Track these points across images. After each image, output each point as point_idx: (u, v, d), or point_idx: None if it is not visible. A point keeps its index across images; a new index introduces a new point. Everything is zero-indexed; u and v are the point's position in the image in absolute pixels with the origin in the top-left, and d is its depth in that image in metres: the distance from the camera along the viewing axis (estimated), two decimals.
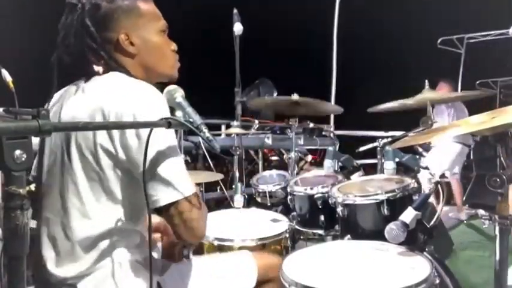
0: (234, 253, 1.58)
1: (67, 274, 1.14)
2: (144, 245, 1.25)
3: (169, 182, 1.07)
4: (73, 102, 1.18)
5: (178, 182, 1.08)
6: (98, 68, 1.19)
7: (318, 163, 4.17)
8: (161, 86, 1.22)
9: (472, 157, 5.82)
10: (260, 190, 2.59)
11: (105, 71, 1.19)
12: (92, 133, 1.09)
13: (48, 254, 1.16)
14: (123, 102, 1.09)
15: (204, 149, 3.63)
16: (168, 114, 1.09)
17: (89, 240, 1.13)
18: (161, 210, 1.10)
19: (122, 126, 1.05)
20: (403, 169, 2.14)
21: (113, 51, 1.21)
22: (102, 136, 1.09)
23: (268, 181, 2.72)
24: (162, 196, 1.06)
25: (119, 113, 1.08)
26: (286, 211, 2.25)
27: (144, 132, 1.05)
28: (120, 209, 1.14)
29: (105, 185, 1.11)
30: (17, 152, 0.72)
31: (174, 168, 1.08)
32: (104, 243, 1.13)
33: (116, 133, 1.08)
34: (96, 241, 1.13)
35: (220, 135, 3.96)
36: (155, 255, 1.38)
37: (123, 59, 1.22)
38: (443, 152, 4.55)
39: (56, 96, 1.27)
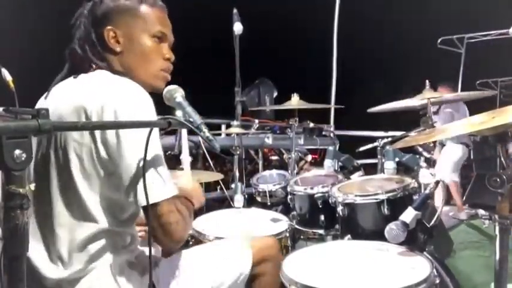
0: (227, 240, 1.55)
1: (59, 276, 1.12)
2: (135, 243, 1.24)
3: (148, 184, 1.04)
4: (60, 101, 1.16)
5: (157, 184, 1.06)
6: (85, 63, 1.20)
7: (318, 163, 4.17)
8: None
9: (472, 157, 5.81)
10: (260, 190, 2.59)
11: (91, 67, 1.20)
12: (77, 134, 1.07)
13: (38, 256, 1.13)
14: (104, 100, 1.08)
15: (204, 148, 3.62)
16: (152, 112, 1.09)
17: (77, 243, 1.11)
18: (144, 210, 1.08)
19: (122, 126, 1.04)
20: (403, 169, 2.14)
21: (97, 45, 1.21)
22: (86, 136, 1.07)
23: (268, 181, 2.72)
24: (140, 198, 1.04)
25: (99, 111, 1.06)
26: (286, 211, 2.25)
27: (123, 131, 1.05)
28: (106, 211, 1.12)
29: (90, 187, 1.10)
30: (17, 152, 0.72)
31: (154, 170, 1.06)
32: (93, 246, 1.12)
33: (97, 133, 1.06)
34: (85, 244, 1.11)
35: (220, 135, 3.95)
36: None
37: (105, 55, 1.22)
38: (447, 157, 4.56)
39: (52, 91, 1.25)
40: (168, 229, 1.07)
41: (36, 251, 1.13)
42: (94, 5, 1.22)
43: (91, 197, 1.10)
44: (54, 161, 1.12)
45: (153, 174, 1.06)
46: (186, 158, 1.48)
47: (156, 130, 1.06)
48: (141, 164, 1.03)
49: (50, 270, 1.12)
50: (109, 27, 1.20)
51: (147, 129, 1.03)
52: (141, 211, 1.16)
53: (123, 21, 1.22)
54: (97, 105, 1.07)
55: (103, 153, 1.07)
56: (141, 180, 1.03)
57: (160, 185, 1.06)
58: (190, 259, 1.33)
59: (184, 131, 1.39)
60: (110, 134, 1.06)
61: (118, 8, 1.22)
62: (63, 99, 1.15)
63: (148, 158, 1.04)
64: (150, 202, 1.04)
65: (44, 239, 1.14)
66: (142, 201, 1.04)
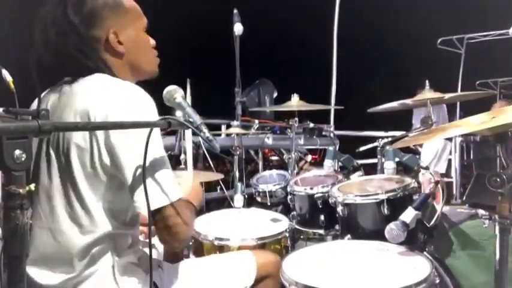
0: (233, 252, 1.58)
1: (54, 282, 1.10)
2: (137, 245, 1.24)
3: (155, 188, 1.04)
4: (58, 106, 1.14)
5: (163, 187, 1.06)
6: (82, 68, 1.14)
7: (318, 163, 4.17)
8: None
9: (472, 157, 5.82)
10: (260, 190, 2.59)
11: (90, 72, 1.14)
12: (80, 139, 1.06)
13: (31, 262, 1.10)
14: (109, 105, 1.06)
15: (204, 149, 3.62)
16: (156, 116, 1.08)
17: (79, 248, 1.09)
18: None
19: (122, 126, 1.04)
20: (403, 169, 2.14)
21: (101, 50, 1.17)
22: (88, 142, 1.06)
23: (268, 181, 2.72)
24: (145, 202, 1.02)
25: (103, 116, 1.05)
26: (286, 211, 2.25)
27: (127, 136, 1.04)
28: (109, 215, 1.11)
29: (93, 190, 1.08)
30: (17, 152, 0.72)
31: (160, 174, 1.06)
32: (95, 249, 1.11)
33: (100, 136, 1.05)
34: (87, 247, 1.10)
35: (220, 135, 3.95)
36: (153, 252, 1.37)
37: (110, 59, 1.19)
38: (428, 148, 4.62)
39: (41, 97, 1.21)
40: (174, 231, 1.08)
41: (38, 255, 1.11)
42: (75, 6, 1.13)
43: (93, 201, 1.09)
44: (56, 165, 1.10)
45: (158, 178, 1.05)
46: (189, 159, 1.48)
47: (157, 132, 1.06)
48: (145, 168, 1.03)
49: (44, 276, 1.11)
50: (110, 30, 1.16)
51: (155, 135, 1.03)
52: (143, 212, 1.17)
53: (117, 21, 1.18)
54: (101, 112, 1.05)
55: (106, 158, 1.06)
56: (149, 185, 1.03)
57: (165, 189, 1.06)
58: (195, 268, 1.34)
59: (188, 132, 1.39)
60: (114, 139, 1.04)
61: (107, 7, 1.16)
62: (65, 106, 1.12)
63: (153, 161, 1.04)
64: (156, 207, 1.04)
65: (39, 244, 1.12)
66: (148, 206, 1.03)
